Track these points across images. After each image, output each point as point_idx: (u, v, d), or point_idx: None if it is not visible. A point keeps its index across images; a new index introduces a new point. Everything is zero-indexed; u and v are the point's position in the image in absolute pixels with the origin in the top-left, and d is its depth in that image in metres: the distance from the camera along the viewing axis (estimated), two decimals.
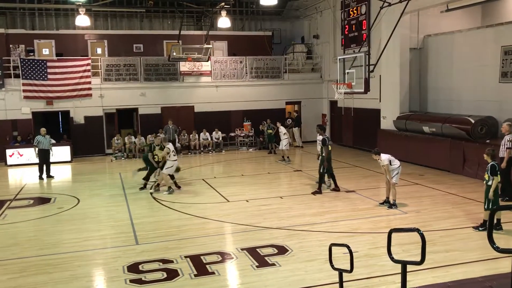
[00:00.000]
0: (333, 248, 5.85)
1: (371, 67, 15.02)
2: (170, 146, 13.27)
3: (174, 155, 13.31)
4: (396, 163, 10.86)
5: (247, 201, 12.10)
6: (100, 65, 21.09)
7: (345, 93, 15.90)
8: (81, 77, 20.63)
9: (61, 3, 22.03)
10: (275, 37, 26.29)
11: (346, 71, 15.79)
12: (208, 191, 13.52)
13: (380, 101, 19.19)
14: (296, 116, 23.07)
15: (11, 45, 21.43)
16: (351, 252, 5.24)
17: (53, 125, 21.92)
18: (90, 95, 20.82)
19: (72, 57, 20.98)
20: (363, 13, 19.37)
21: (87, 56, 21.55)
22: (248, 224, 9.95)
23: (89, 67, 20.74)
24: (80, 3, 19.64)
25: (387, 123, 18.67)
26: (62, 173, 17.28)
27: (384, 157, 10.74)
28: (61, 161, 19.02)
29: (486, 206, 8.78)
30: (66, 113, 21.37)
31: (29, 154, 18.36)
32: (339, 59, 16.52)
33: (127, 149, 20.47)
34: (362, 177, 14.89)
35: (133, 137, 20.78)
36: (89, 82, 20.75)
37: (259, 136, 22.31)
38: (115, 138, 20.72)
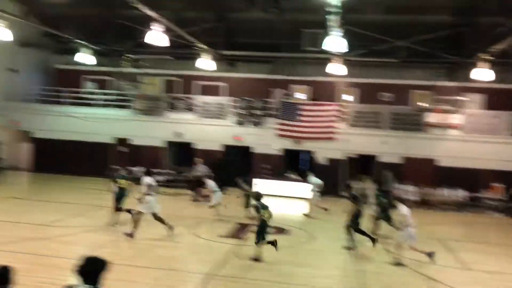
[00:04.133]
0: None
1: None
2: (404, 210, 10.78)
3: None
4: None
5: (488, 273, 10.71)
6: (348, 111, 22.05)
7: None
8: (329, 121, 21.92)
9: (319, 53, 24.00)
10: None
11: None
12: (443, 253, 12.48)
13: None
14: None
15: (272, 89, 24.40)
16: None
17: (296, 163, 23.77)
18: (335, 138, 21.87)
19: (323, 102, 22.55)
20: None
21: (337, 102, 22.86)
22: None
23: (337, 113, 21.90)
24: (337, 54, 21.04)
25: None
26: (301, 209, 18.48)
27: None
28: (302, 197, 20.39)
29: None
30: (311, 153, 22.92)
31: (276, 186, 20.24)
32: None
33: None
34: None
35: (372, 183, 20.84)
36: (336, 127, 21.85)
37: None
38: (354, 183, 21.09)
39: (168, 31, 16.41)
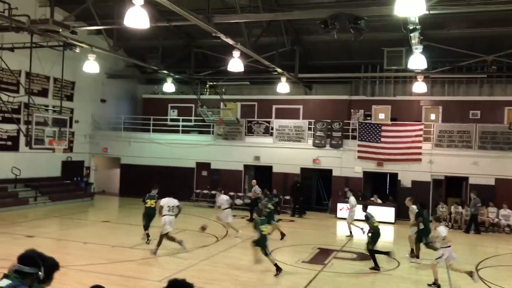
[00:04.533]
0: None
1: None
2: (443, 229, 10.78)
3: None
4: None
5: None
6: (433, 130, 21.00)
7: None
8: (412, 142, 20.99)
9: (400, 71, 23.26)
10: None
11: None
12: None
13: None
14: None
15: (352, 110, 23.91)
16: None
17: (380, 186, 22.93)
18: (420, 159, 20.84)
19: (406, 122, 21.68)
20: None
21: (420, 121, 21.89)
22: None
23: (421, 132, 20.93)
24: (419, 71, 20.24)
25: None
26: (384, 234, 17.68)
27: None
28: (384, 221, 19.57)
29: None
30: (393, 176, 22.01)
31: (357, 210, 19.55)
32: None
33: (452, 218, 19.38)
34: None
35: (460, 207, 19.58)
36: (420, 147, 20.86)
37: None
38: (440, 206, 19.97)
39: (245, 57, 16.72)
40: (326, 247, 14.44)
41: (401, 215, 20.30)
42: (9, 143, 20.80)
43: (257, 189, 19.72)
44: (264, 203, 14.85)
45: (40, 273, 3.56)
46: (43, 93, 22.35)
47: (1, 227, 15.31)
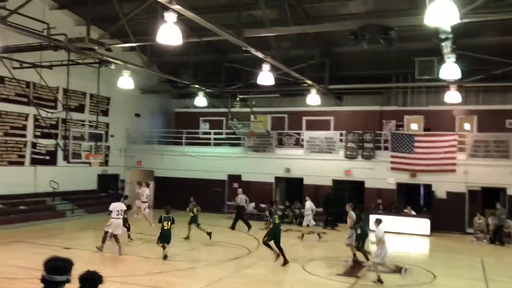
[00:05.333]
0: None
1: None
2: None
3: None
4: None
5: None
6: (467, 140, 20.55)
7: None
8: (446, 152, 20.57)
9: (432, 81, 22.91)
10: None
11: None
12: None
13: None
14: None
15: (383, 120, 23.65)
16: None
17: (414, 197, 22.52)
18: (454, 170, 20.39)
19: (439, 132, 21.30)
20: None
21: (454, 131, 21.46)
22: None
23: (455, 143, 20.51)
24: (452, 81, 19.90)
25: None
26: (419, 246, 17.38)
27: None
28: (419, 234, 19.23)
29: None
30: (427, 186, 21.58)
31: (390, 222, 19.34)
32: None
33: (490, 231, 18.84)
34: None
35: (483, 217, 19.10)
36: (454, 158, 20.42)
37: None
38: (477, 217, 19.45)
39: (275, 70, 16.85)
40: (359, 259, 14.25)
41: (437, 227, 19.89)
42: (48, 157, 21.50)
43: (242, 197, 19.77)
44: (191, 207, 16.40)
45: (69, 277, 3.79)
46: (80, 108, 23.08)
47: (40, 239, 15.80)
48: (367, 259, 13.21)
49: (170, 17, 10.14)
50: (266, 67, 15.40)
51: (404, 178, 21.35)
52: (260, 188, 23.34)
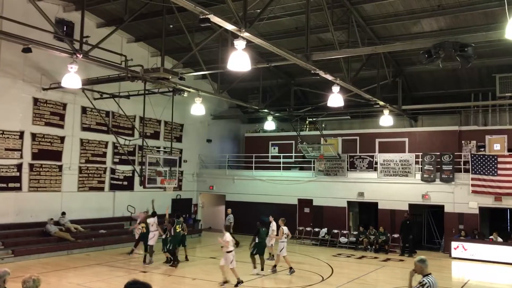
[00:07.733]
0: None
1: None
2: None
3: None
4: None
5: None
6: None
7: None
8: None
9: None
10: None
11: None
12: None
13: None
14: None
15: (463, 141, 22.33)
16: None
17: (500, 223, 20.96)
18: None
19: None
20: None
21: None
22: None
23: None
24: None
25: None
26: (507, 276, 16.03)
27: None
28: (505, 262, 17.77)
29: None
30: None
31: (474, 249, 18.09)
32: None
33: None
34: None
35: None
36: None
37: None
38: None
39: (344, 91, 16.57)
40: None
41: None
42: (125, 183, 22.45)
43: (231, 218, 20.50)
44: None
45: None
46: (155, 135, 23.99)
47: (119, 262, 16.38)
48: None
49: (239, 45, 10.31)
50: (335, 89, 15.18)
51: (488, 202, 19.93)
52: (332, 212, 22.82)
